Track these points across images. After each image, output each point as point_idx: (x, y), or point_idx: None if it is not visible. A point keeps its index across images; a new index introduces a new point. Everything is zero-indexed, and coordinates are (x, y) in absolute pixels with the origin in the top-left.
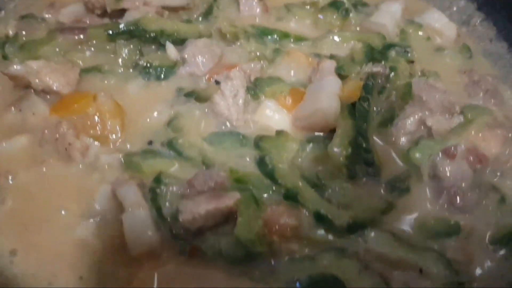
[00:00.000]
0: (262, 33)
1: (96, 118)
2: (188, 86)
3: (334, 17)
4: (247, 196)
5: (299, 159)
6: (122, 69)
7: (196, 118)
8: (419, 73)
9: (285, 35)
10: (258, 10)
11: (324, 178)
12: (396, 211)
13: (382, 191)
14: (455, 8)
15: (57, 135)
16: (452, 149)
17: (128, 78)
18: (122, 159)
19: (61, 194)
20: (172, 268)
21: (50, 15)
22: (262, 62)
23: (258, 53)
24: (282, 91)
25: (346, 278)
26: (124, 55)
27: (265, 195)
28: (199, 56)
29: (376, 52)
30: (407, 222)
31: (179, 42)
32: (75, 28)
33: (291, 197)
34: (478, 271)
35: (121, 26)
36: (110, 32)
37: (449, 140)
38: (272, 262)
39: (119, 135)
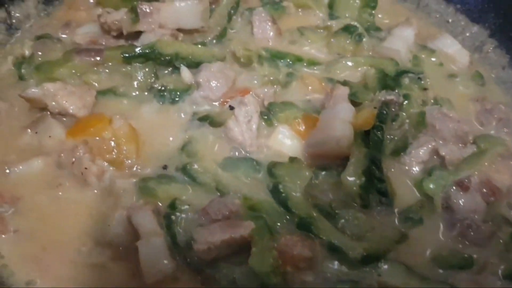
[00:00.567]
0: (275, 56)
1: (112, 142)
2: (202, 110)
3: (347, 42)
4: (261, 225)
5: (312, 187)
6: (137, 91)
7: (210, 143)
8: (432, 101)
9: (298, 59)
10: (271, 33)
11: (337, 207)
12: (409, 242)
13: (395, 221)
14: (467, 34)
15: (74, 159)
16: (466, 181)
17: (143, 101)
18: (137, 184)
19: (76, 218)
20: None
21: (65, 35)
22: (275, 86)
23: (271, 78)
24: (295, 116)
25: None
26: (139, 77)
27: (279, 224)
28: (213, 81)
29: (389, 79)
30: (420, 254)
31: (194, 65)
32: (92, 50)
33: (304, 227)
34: None
35: (137, 49)
36: (126, 55)
37: (462, 171)
38: None
39: (134, 159)
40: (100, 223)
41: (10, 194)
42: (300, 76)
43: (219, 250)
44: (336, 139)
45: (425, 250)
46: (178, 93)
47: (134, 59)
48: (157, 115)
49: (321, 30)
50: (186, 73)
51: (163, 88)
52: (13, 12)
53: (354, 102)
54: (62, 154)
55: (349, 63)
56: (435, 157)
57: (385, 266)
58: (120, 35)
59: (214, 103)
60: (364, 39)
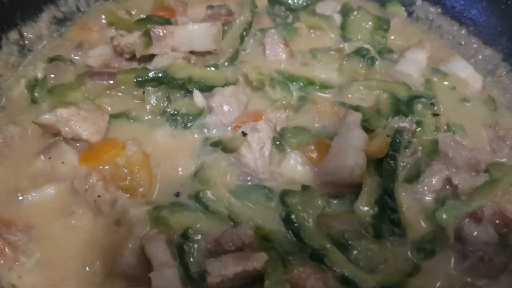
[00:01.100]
0: (287, 79)
1: (125, 169)
2: (215, 135)
3: (360, 65)
4: (273, 256)
5: (325, 217)
6: (149, 115)
7: (223, 170)
8: (445, 127)
9: (310, 82)
10: (283, 55)
11: (350, 237)
12: (422, 274)
13: (408, 252)
14: (480, 57)
15: (87, 186)
16: (479, 212)
17: (155, 125)
18: (150, 213)
19: (89, 248)
20: None
21: (78, 57)
22: (287, 111)
23: (284, 102)
24: (307, 142)
25: None
26: (152, 101)
27: (291, 254)
28: (226, 105)
29: (402, 104)
30: (432, 286)
31: (207, 89)
32: (105, 73)
33: (318, 259)
34: None
35: (150, 73)
36: (140, 79)
37: (475, 201)
38: None
39: (147, 187)
40: (113, 253)
41: (24, 222)
42: (312, 100)
43: (232, 282)
44: (349, 168)
45: (436, 282)
46: (191, 117)
47: (147, 83)
48: (169, 140)
49: (333, 52)
50: (198, 97)
51: (175, 112)
52: (25, 33)
53: (367, 128)
54: (75, 181)
55: (361, 87)
56: (447, 186)
57: None
58: (133, 58)
59: (226, 127)
60: (376, 62)
